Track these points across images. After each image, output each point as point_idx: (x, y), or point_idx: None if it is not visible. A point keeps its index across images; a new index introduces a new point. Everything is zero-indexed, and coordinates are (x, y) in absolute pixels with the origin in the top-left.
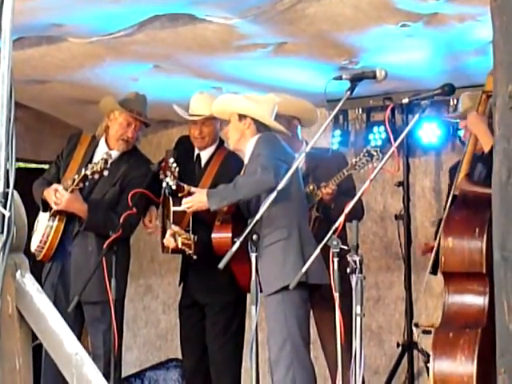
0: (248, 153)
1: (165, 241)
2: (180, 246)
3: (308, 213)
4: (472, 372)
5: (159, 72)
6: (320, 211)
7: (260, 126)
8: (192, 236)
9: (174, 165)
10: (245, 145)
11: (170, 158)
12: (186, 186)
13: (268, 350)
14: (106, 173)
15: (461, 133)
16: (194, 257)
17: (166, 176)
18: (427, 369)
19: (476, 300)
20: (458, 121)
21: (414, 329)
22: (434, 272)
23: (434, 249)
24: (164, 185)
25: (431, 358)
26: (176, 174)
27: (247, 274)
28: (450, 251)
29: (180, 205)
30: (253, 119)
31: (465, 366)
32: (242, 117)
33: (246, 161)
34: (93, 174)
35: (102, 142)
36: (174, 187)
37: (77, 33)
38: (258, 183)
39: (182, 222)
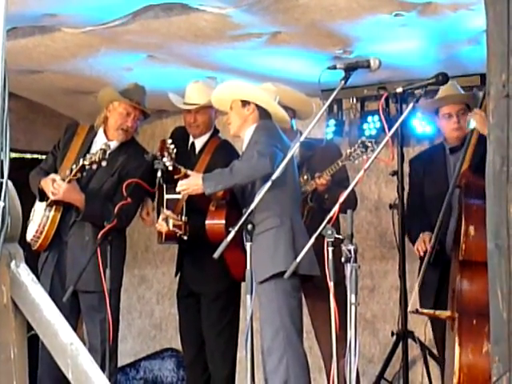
0: (246, 140)
1: (157, 225)
2: (171, 227)
3: (301, 203)
4: None
5: (153, 62)
6: (314, 201)
7: (262, 113)
8: (183, 217)
9: (172, 146)
10: (245, 131)
11: (168, 139)
12: (182, 168)
13: (261, 340)
14: (104, 163)
15: (442, 122)
16: (185, 237)
17: (163, 156)
18: (429, 356)
19: None
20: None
21: (413, 315)
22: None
23: (433, 239)
24: (158, 174)
25: (456, 345)
26: (173, 156)
27: (239, 262)
28: (471, 240)
29: (173, 193)
30: (256, 105)
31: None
32: (245, 103)
33: (243, 147)
34: (91, 164)
35: (101, 132)
36: (170, 168)
37: (70, 23)
38: (254, 169)
39: (175, 209)
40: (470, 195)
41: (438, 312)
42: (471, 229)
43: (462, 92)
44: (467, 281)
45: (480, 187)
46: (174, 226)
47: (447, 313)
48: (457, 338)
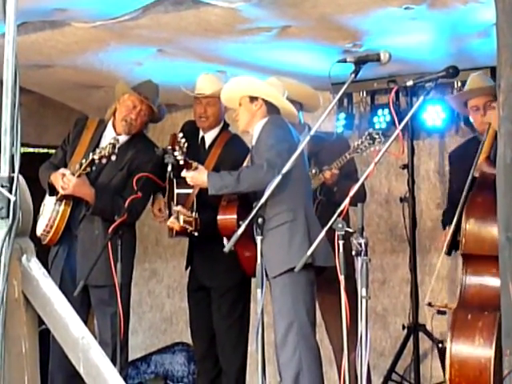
0: (255, 135)
1: (169, 223)
2: (182, 223)
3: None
4: (490, 355)
5: (163, 56)
6: (322, 194)
7: (271, 108)
8: (194, 213)
9: (183, 140)
10: (253, 127)
11: (178, 133)
12: (194, 162)
13: (274, 333)
14: (113, 157)
15: (473, 114)
16: (196, 233)
17: (174, 150)
18: (439, 350)
19: (495, 283)
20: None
21: (425, 308)
22: (449, 253)
23: (451, 230)
24: (169, 168)
25: (448, 339)
26: (184, 150)
27: (251, 257)
28: (471, 233)
29: (184, 187)
30: (264, 100)
31: (483, 348)
32: (253, 98)
33: (253, 142)
34: (100, 158)
35: (110, 126)
36: (181, 162)
37: (80, 17)
38: (261, 181)
39: (186, 203)
40: (482, 186)
41: (449, 305)
42: (471, 221)
43: (490, 82)
44: (467, 274)
45: (493, 178)
46: (185, 222)
47: None
48: (449, 333)
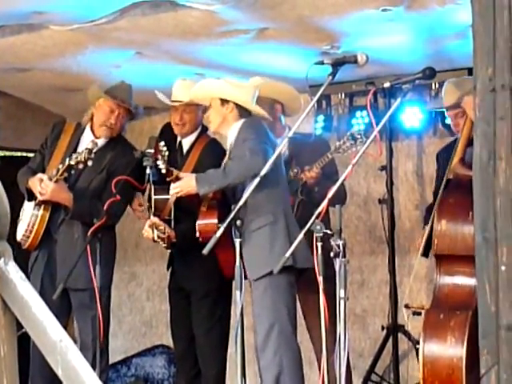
0: (231, 137)
1: (143, 231)
2: (156, 238)
3: (292, 197)
4: (461, 354)
5: (141, 59)
6: (304, 195)
7: (242, 111)
8: (167, 230)
9: (165, 148)
10: (227, 129)
11: (160, 141)
12: (174, 170)
13: (255, 335)
14: (90, 163)
15: (448, 121)
16: (168, 250)
17: (156, 159)
18: (417, 350)
19: (467, 283)
20: (444, 110)
21: (403, 310)
22: (425, 255)
23: (427, 232)
24: (148, 171)
25: (421, 340)
26: (166, 159)
27: (231, 260)
28: (442, 234)
29: (162, 194)
30: (235, 104)
31: (454, 348)
32: (224, 101)
33: (228, 145)
34: (77, 163)
35: (88, 130)
36: (163, 171)
37: (58, 20)
38: (247, 167)
39: (164, 210)
40: (455, 188)
41: (426, 306)
42: (443, 222)
43: (462, 89)
44: (441, 274)
45: (466, 179)
46: (158, 237)
47: None
48: (422, 332)
